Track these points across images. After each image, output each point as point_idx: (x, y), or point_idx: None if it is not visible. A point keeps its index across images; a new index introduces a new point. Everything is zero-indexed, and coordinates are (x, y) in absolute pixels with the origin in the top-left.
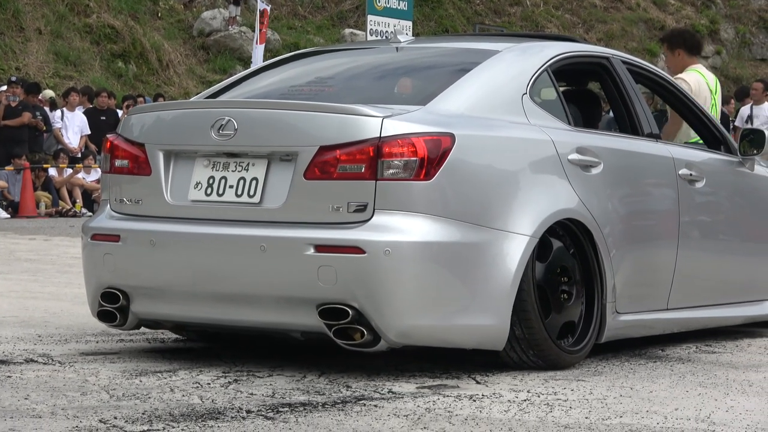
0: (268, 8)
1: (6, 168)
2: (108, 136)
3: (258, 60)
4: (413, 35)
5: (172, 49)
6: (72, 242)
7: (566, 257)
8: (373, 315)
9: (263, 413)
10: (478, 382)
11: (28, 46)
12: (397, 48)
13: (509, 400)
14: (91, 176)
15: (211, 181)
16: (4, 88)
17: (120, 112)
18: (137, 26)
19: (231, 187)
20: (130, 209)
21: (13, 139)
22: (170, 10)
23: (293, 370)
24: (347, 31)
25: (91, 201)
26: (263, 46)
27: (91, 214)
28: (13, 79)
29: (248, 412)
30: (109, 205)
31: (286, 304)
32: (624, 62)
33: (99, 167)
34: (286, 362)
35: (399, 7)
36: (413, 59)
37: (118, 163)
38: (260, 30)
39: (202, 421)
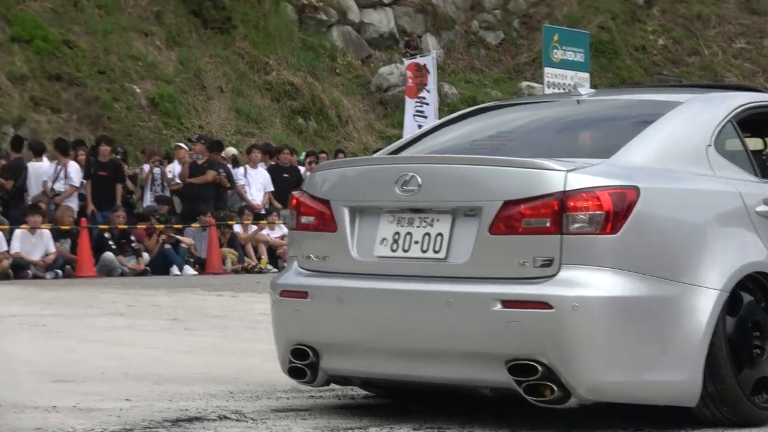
0: (430, 63)
1: (192, 225)
2: (294, 193)
3: (409, 114)
4: (591, 87)
5: (351, 104)
6: (258, 298)
7: (757, 311)
8: (562, 371)
9: None
10: None
11: (211, 104)
12: (578, 101)
13: None
14: (275, 233)
15: (396, 236)
16: (182, 145)
17: (302, 169)
18: (316, 83)
19: (416, 242)
20: (317, 265)
21: (199, 196)
22: (348, 66)
23: (483, 426)
24: (524, 83)
25: (275, 257)
26: (414, 100)
27: (276, 270)
28: (197, 137)
29: None
30: (296, 262)
31: (474, 359)
32: None
33: (283, 224)
34: (475, 418)
35: (576, 59)
36: (595, 112)
37: (304, 219)
38: (413, 83)
39: None
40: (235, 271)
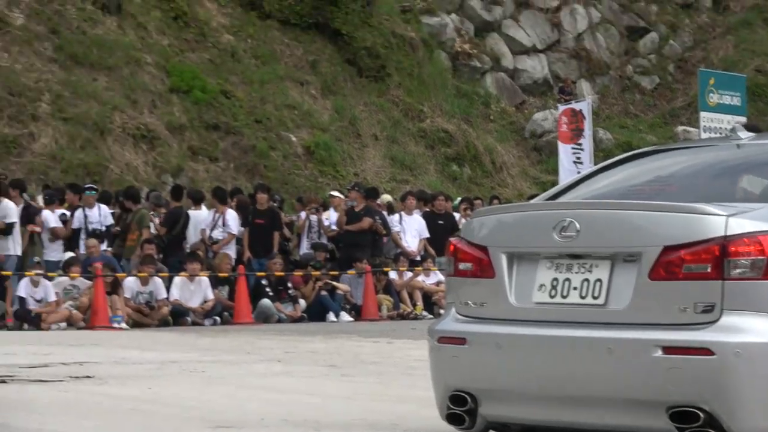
0: (585, 109)
1: (348, 272)
2: (451, 239)
3: (563, 159)
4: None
5: (505, 150)
6: (414, 345)
7: None
8: (725, 418)
9: None
10: None
11: (365, 152)
12: (738, 145)
13: None
14: (430, 279)
15: (554, 282)
16: (337, 194)
17: (457, 215)
18: (470, 129)
19: (575, 288)
20: (474, 312)
21: (355, 243)
22: (502, 113)
23: None
24: (680, 128)
25: (431, 304)
26: (568, 146)
27: (431, 316)
28: (353, 184)
29: None
30: (454, 308)
31: (634, 406)
32: None
33: (438, 270)
34: None
35: (732, 103)
36: (755, 156)
37: (461, 266)
38: (568, 129)
39: None
40: (391, 318)
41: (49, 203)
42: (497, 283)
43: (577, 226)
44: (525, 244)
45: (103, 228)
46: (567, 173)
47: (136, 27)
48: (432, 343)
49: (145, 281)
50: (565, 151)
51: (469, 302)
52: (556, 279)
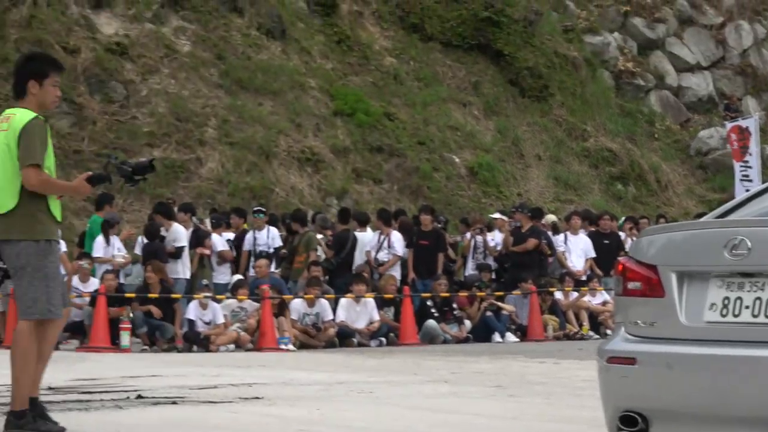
0: (752, 126)
1: (513, 292)
2: (620, 258)
3: (737, 177)
4: None
5: (670, 169)
6: (581, 365)
7: None
8: None
9: None
10: None
11: (529, 172)
12: None
13: None
14: (596, 299)
15: (726, 301)
16: (500, 216)
17: (622, 235)
18: (634, 148)
19: (747, 307)
20: (644, 331)
21: (521, 264)
22: (666, 131)
23: None
24: None
25: (597, 324)
26: (738, 164)
27: (598, 337)
28: (518, 205)
29: None
30: (623, 328)
31: None
32: None
33: (604, 290)
34: None
35: None
36: None
37: (630, 285)
38: (738, 146)
39: None
40: (557, 338)
41: (216, 227)
42: (667, 303)
43: (749, 244)
44: (695, 263)
45: (271, 250)
46: (739, 192)
47: (300, 51)
48: (601, 364)
49: (311, 303)
50: (737, 169)
51: (639, 322)
52: (727, 298)
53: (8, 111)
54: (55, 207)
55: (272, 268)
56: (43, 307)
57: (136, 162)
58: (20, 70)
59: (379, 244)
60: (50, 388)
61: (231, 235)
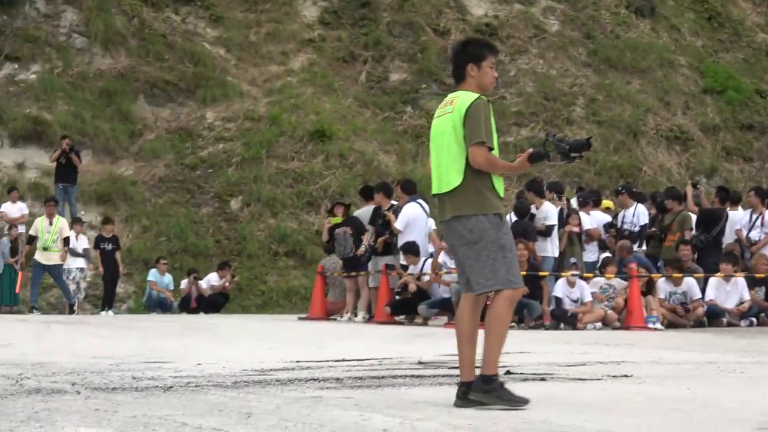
0: None
1: None
2: None
3: None
4: None
5: None
6: None
7: None
8: None
9: None
10: None
11: None
12: None
13: None
14: None
15: None
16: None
17: None
18: None
19: None
20: None
21: None
22: None
23: None
24: None
25: None
26: None
27: None
28: None
29: None
30: None
31: None
32: None
33: None
34: None
35: None
36: None
37: None
38: None
39: None
40: None
41: (583, 205)
42: None
43: None
44: None
45: (636, 229)
46: None
47: (669, 29)
48: None
49: (678, 282)
50: None
51: None
52: None
53: (451, 95)
54: (499, 183)
55: (636, 247)
56: (504, 278)
57: (574, 140)
58: (458, 56)
59: (751, 223)
60: (420, 363)
61: (599, 214)
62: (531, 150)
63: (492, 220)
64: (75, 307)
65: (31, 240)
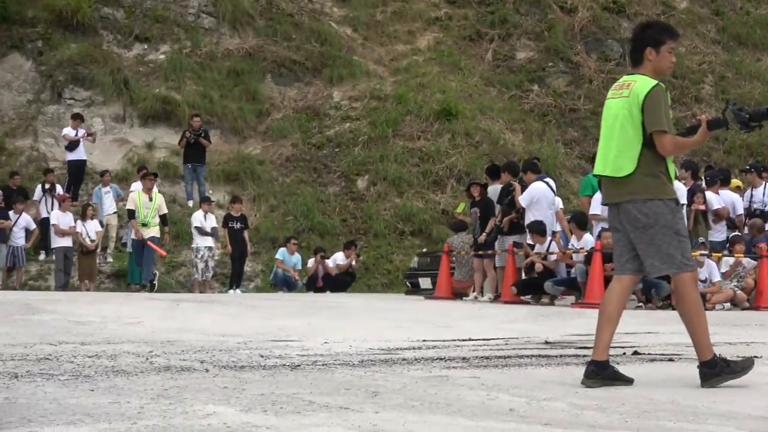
0: None
1: None
2: None
3: None
4: None
5: None
6: None
7: None
8: None
9: None
10: None
11: None
12: None
13: None
14: None
15: None
16: None
17: None
18: None
19: None
20: None
21: None
22: None
23: None
24: None
25: None
26: None
27: None
28: None
29: None
30: None
31: None
32: None
33: None
34: None
35: None
36: None
37: None
38: None
39: None
40: None
41: (711, 184)
42: None
43: None
44: None
45: (766, 208)
46: None
47: None
48: None
49: None
50: None
51: None
52: None
53: (626, 77)
54: (672, 168)
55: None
56: (679, 261)
57: (754, 109)
58: (638, 38)
59: None
60: (546, 343)
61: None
62: (708, 116)
63: (669, 205)
64: (155, 283)
65: (131, 214)
